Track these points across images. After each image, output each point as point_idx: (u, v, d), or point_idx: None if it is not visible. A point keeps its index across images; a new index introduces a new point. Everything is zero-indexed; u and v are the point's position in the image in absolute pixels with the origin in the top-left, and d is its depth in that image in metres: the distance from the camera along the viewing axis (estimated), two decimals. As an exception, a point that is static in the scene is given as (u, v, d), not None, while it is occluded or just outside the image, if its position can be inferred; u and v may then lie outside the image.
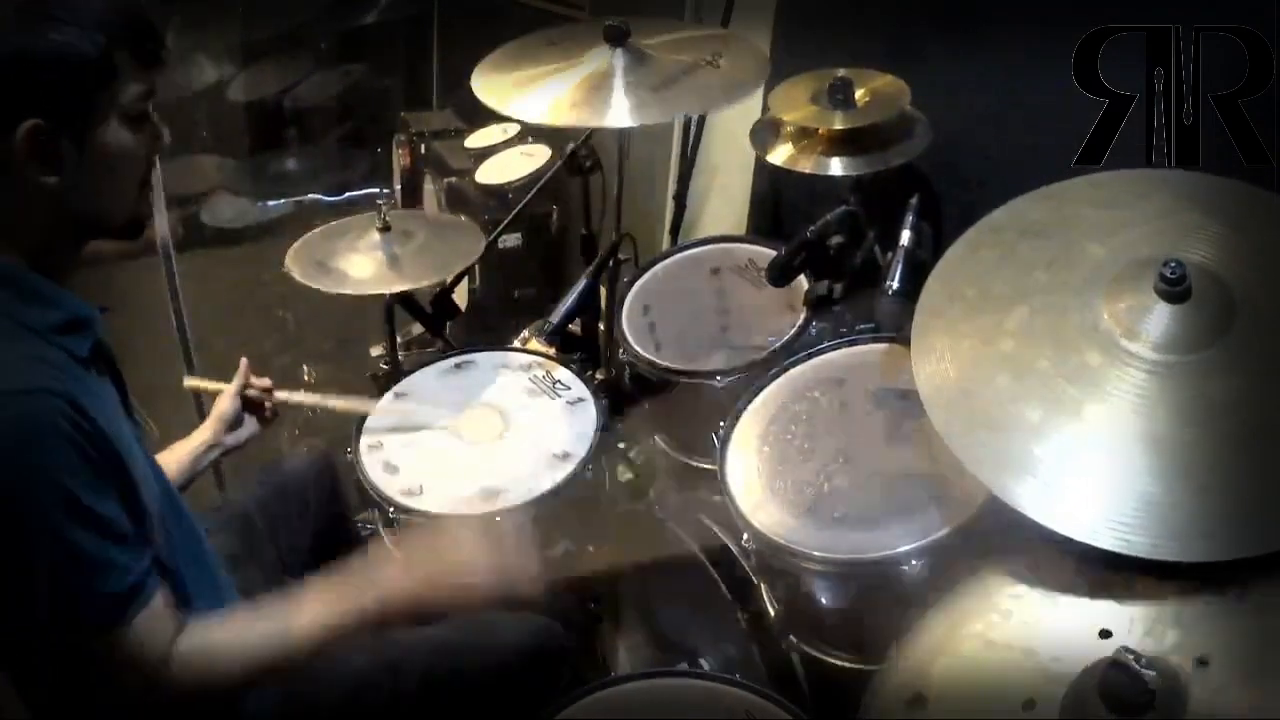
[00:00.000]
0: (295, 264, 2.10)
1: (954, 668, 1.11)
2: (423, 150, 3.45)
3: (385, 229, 2.12)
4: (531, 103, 1.83)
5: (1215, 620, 1.03)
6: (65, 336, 1.14)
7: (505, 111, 1.86)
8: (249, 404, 1.79)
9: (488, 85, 1.90)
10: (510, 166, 3.00)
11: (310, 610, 1.21)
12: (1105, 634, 1.06)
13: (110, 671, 1.12)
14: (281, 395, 1.85)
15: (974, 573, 1.19)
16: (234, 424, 1.75)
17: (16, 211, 1.14)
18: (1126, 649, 0.98)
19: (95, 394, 1.14)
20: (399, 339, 2.33)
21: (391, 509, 1.72)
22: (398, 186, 3.52)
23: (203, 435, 1.71)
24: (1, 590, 1.08)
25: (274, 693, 1.34)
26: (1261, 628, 1.01)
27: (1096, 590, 1.10)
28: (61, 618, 1.08)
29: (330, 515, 1.80)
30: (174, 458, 1.65)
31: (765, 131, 1.96)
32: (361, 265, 2.08)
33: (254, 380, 1.81)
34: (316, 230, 2.21)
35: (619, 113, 1.78)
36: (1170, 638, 1.02)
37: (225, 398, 1.76)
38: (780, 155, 1.90)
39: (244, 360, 1.81)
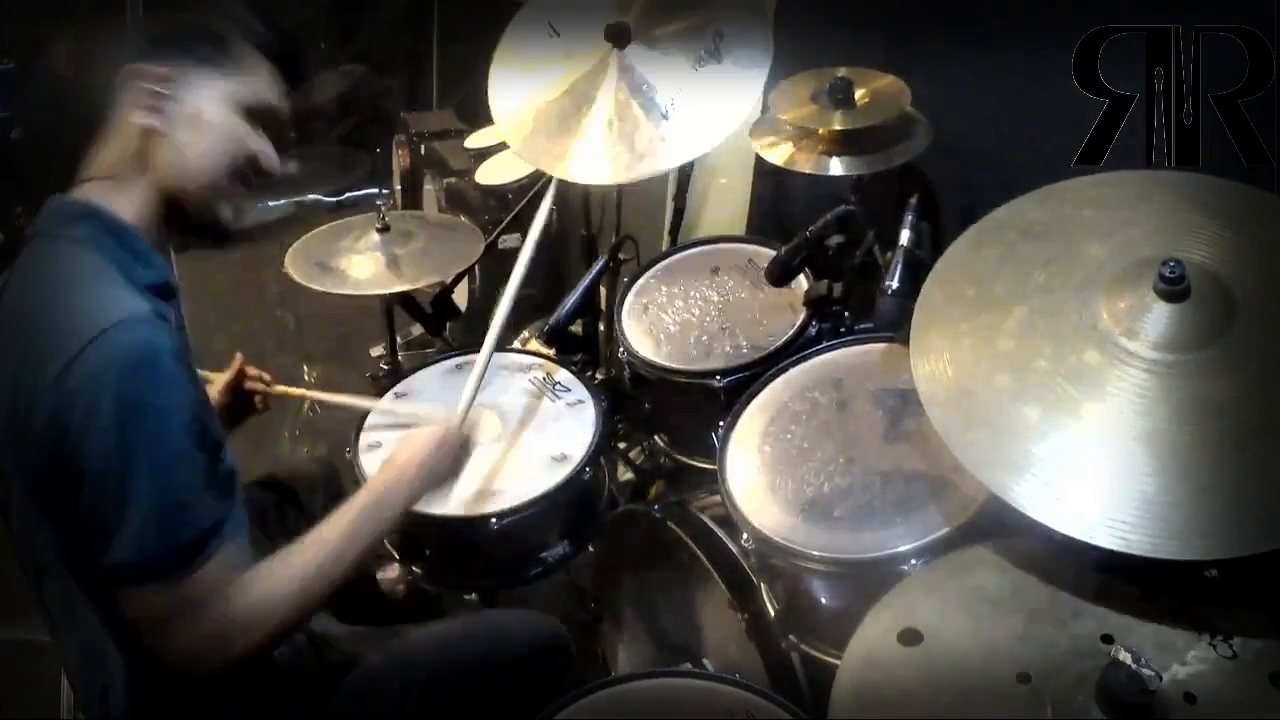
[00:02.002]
0: (295, 265, 2.10)
1: (950, 614, 1.13)
2: (422, 151, 3.45)
3: (385, 230, 2.12)
4: (578, 167, 1.90)
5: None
6: (159, 300, 1.23)
7: (554, 173, 1.94)
8: (241, 397, 1.79)
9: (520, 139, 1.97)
10: (510, 166, 3.00)
11: (328, 525, 1.30)
12: (1106, 639, 1.06)
13: (185, 606, 1.15)
14: (281, 389, 1.84)
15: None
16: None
17: (127, 177, 1.25)
18: (1127, 648, 0.98)
19: (183, 357, 1.21)
20: (399, 339, 2.34)
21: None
22: (398, 187, 3.52)
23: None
24: (100, 511, 1.12)
25: (291, 688, 1.36)
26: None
27: (1096, 595, 1.11)
28: (150, 549, 1.12)
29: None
30: None
31: (765, 131, 1.96)
32: (361, 266, 2.09)
33: (251, 372, 1.81)
34: (316, 231, 2.21)
35: (653, 162, 1.85)
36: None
37: (213, 390, 1.75)
38: (780, 155, 1.90)
39: (238, 356, 1.81)
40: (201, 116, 1.28)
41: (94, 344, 1.11)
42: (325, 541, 1.28)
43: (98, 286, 1.18)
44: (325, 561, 1.26)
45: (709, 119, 1.84)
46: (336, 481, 1.85)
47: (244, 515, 1.25)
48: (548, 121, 1.95)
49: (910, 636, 1.11)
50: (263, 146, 1.34)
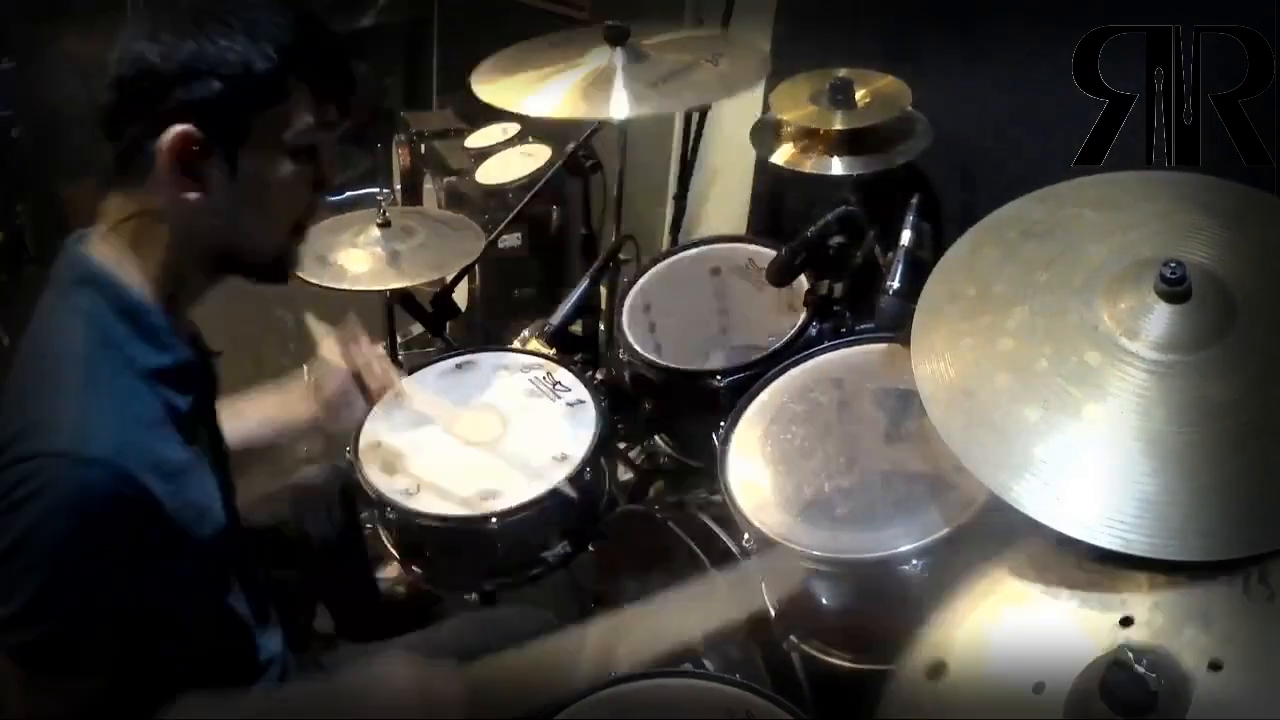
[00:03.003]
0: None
1: (974, 640, 1.12)
2: (422, 150, 3.45)
3: (385, 225, 2.12)
4: (535, 99, 1.84)
5: (1236, 619, 1.00)
6: (168, 388, 1.10)
7: (508, 107, 1.87)
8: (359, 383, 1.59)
9: (489, 85, 1.91)
10: (510, 166, 3.00)
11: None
12: (1127, 621, 1.04)
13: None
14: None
15: (981, 567, 1.20)
16: (341, 408, 1.56)
17: (153, 229, 1.09)
18: (1129, 648, 0.98)
19: (181, 447, 1.10)
20: (399, 339, 2.33)
21: (389, 509, 1.72)
22: (398, 186, 3.52)
23: (305, 410, 1.54)
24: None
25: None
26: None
27: (1104, 584, 1.10)
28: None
29: (347, 530, 1.80)
30: (261, 413, 1.52)
31: (765, 131, 1.96)
32: (361, 261, 2.08)
33: (365, 349, 1.58)
34: (316, 225, 2.20)
35: (620, 105, 1.80)
36: (1186, 635, 1.01)
37: (334, 377, 1.55)
38: (780, 155, 1.90)
39: (355, 321, 1.60)
40: (248, 172, 1.08)
41: (35, 462, 0.99)
42: None
43: (83, 385, 1.04)
44: None
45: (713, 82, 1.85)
46: (351, 489, 1.81)
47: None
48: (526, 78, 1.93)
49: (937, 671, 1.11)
50: (314, 182, 1.14)
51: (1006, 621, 1.12)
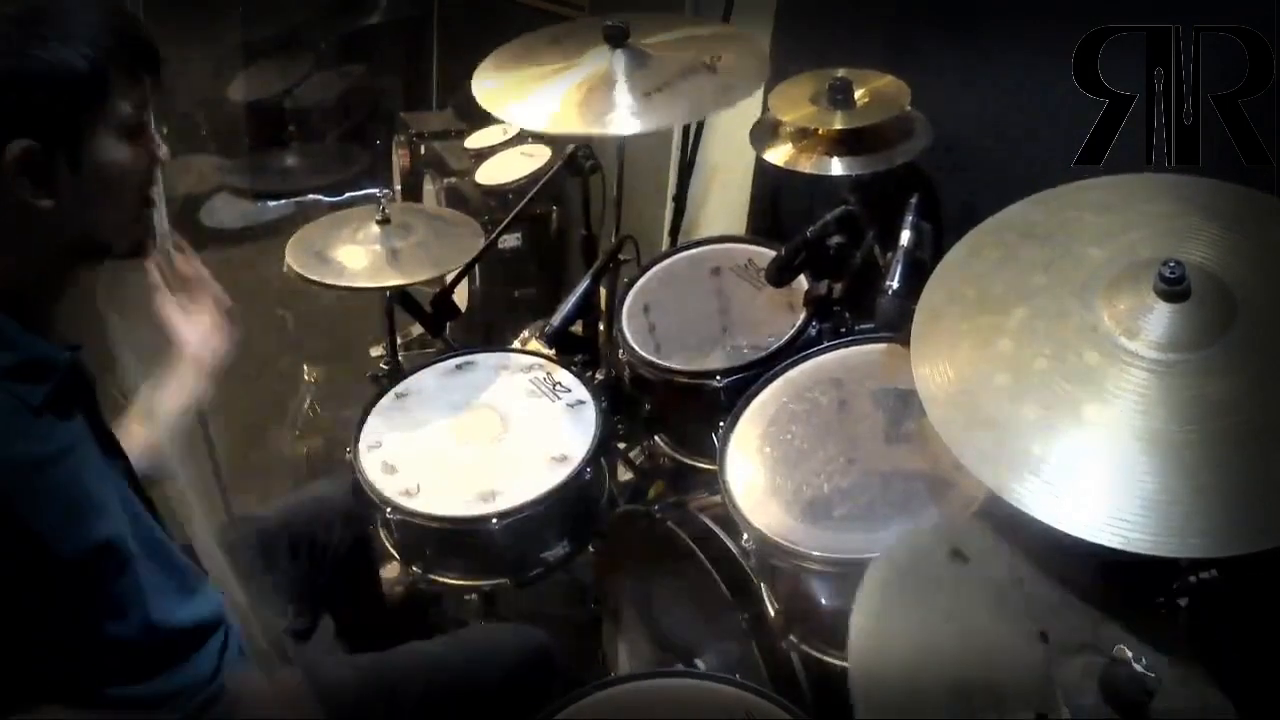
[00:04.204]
0: (294, 255, 2.09)
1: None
2: (422, 151, 3.45)
3: (385, 222, 2.11)
4: (534, 111, 1.84)
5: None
6: (18, 383, 1.09)
7: (508, 119, 1.86)
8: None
9: (487, 89, 1.91)
10: (510, 166, 3.00)
11: None
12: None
13: None
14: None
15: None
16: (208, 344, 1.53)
17: (7, 237, 1.10)
18: (1128, 647, 0.98)
19: (43, 440, 1.10)
20: (399, 339, 2.33)
21: (389, 509, 1.72)
22: (398, 187, 3.52)
23: (180, 397, 1.49)
24: None
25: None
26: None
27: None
28: None
29: (354, 539, 1.79)
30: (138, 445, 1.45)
31: (765, 132, 1.95)
32: (360, 258, 2.08)
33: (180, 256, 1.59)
34: (316, 222, 2.20)
35: (618, 121, 1.79)
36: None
37: (193, 325, 1.53)
38: (780, 155, 1.90)
39: (172, 247, 1.60)
40: (86, 166, 1.10)
41: None
42: None
43: None
44: None
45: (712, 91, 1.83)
46: (357, 523, 1.80)
47: None
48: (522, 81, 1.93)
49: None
50: (148, 158, 1.17)
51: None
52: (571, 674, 1.67)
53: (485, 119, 3.12)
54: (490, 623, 1.85)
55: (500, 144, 3.10)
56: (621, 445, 2.20)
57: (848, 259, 1.78)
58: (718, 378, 1.82)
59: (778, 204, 2.48)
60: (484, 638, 1.66)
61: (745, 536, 1.54)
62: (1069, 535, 1.06)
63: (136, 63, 1.12)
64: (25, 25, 1.05)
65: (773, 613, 1.57)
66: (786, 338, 1.85)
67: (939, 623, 1.12)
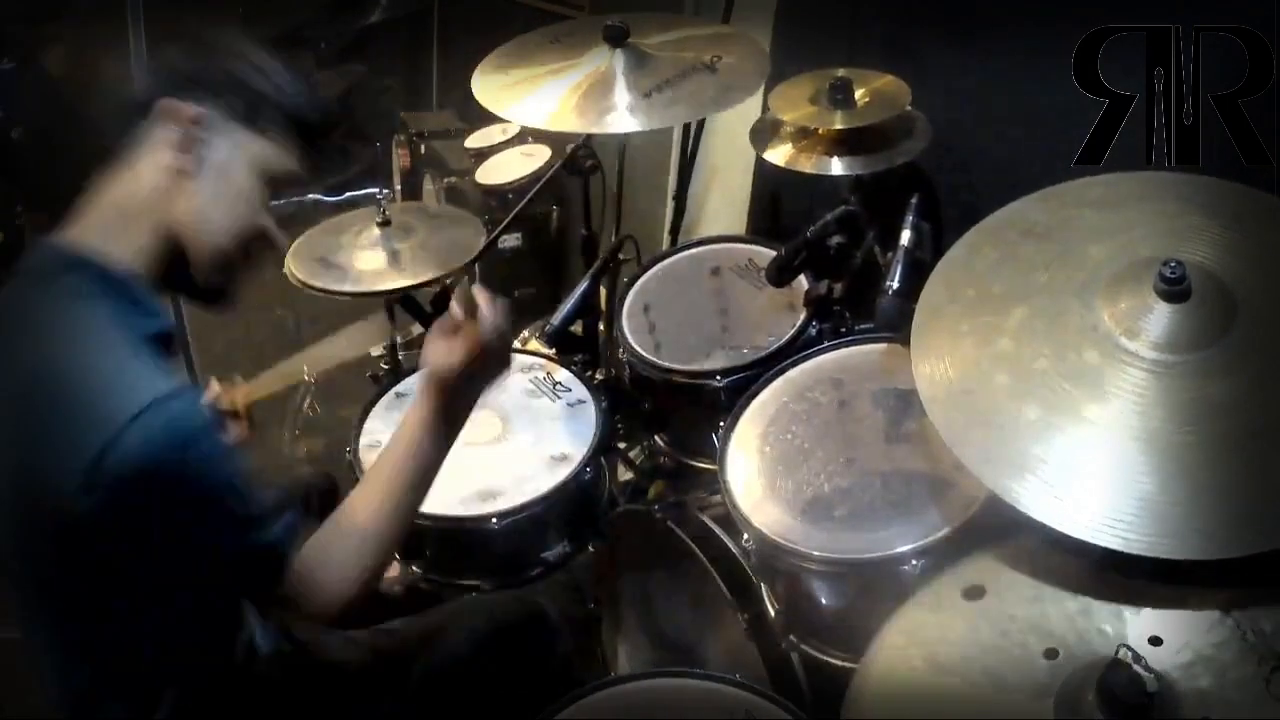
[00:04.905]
0: (295, 261, 2.09)
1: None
2: (422, 150, 3.45)
3: (385, 223, 2.12)
4: (534, 109, 1.83)
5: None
6: (161, 351, 1.15)
7: (508, 117, 1.86)
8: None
9: (487, 88, 1.91)
10: (510, 166, 3.00)
11: (373, 473, 1.28)
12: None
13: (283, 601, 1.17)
14: (253, 387, 1.76)
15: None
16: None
17: (143, 202, 1.16)
18: (1127, 647, 0.98)
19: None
20: (399, 339, 2.33)
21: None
22: (398, 186, 3.52)
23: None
24: (193, 561, 1.11)
25: (278, 698, 1.34)
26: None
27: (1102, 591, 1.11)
28: (245, 574, 1.15)
29: None
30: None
31: (765, 131, 1.96)
32: (362, 261, 2.08)
33: (223, 392, 1.71)
34: (317, 227, 2.20)
35: (618, 121, 1.79)
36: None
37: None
38: (780, 155, 1.90)
39: (212, 381, 1.73)
40: (229, 171, 1.19)
41: (130, 429, 1.01)
42: (386, 469, 1.27)
43: (108, 357, 1.08)
44: (394, 492, 1.25)
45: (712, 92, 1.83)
46: (333, 495, 1.81)
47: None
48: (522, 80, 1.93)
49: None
50: (272, 223, 1.27)
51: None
52: (572, 673, 1.68)
53: (485, 119, 3.12)
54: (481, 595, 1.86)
55: (500, 144, 3.10)
56: (621, 445, 2.20)
57: (848, 259, 1.78)
58: (718, 377, 1.82)
59: (778, 204, 2.48)
60: (482, 606, 1.67)
61: (745, 536, 1.54)
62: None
63: (311, 138, 1.25)
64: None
65: (773, 613, 1.57)
66: (787, 338, 1.85)
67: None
